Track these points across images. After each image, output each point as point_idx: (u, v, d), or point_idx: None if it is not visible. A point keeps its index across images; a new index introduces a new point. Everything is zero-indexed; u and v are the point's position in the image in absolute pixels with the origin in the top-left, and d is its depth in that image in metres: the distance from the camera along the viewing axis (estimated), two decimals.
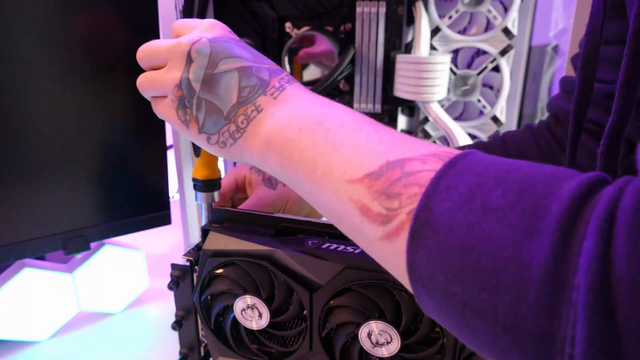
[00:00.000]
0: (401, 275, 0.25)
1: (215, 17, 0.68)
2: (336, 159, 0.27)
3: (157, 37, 0.57)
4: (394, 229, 0.24)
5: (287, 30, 0.66)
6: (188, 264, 0.42)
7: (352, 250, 0.36)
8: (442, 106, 0.67)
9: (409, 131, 0.73)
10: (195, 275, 0.42)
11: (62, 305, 0.59)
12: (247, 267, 0.39)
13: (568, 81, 0.48)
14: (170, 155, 0.65)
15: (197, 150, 0.43)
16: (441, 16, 0.65)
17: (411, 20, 0.63)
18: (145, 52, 0.35)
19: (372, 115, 0.68)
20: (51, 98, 0.51)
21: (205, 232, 0.40)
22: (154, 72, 0.35)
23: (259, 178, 0.52)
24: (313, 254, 0.36)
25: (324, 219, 0.43)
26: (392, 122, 0.68)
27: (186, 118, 0.33)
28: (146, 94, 0.36)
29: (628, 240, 0.17)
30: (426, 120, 0.71)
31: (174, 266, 0.43)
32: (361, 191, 0.25)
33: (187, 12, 0.63)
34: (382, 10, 0.61)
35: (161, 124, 0.59)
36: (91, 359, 0.56)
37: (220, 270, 0.39)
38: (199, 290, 0.41)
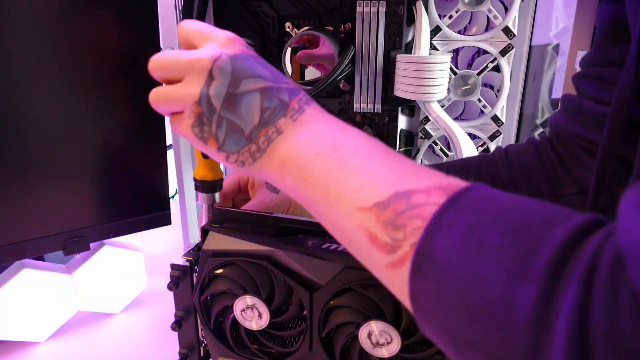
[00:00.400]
0: (405, 300, 0.26)
1: (215, 17, 0.68)
2: (348, 186, 0.28)
3: (157, 37, 0.57)
4: (398, 258, 0.25)
5: (287, 30, 0.66)
6: (187, 264, 0.42)
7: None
8: (443, 106, 0.67)
9: (409, 131, 0.73)
10: (195, 275, 0.42)
11: (61, 306, 0.58)
12: (247, 267, 0.38)
13: (570, 100, 0.48)
14: (170, 155, 0.65)
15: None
16: (441, 16, 0.65)
17: (411, 20, 0.63)
18: (160, 63, 0.35)
19: (372, 115, 0.68)
20: (51, 98, 0.51)
21: (205, 232, 0.40)
22: (169, 88, 0.34)
23: (261, 181, 0.52)
24: (313, 254, 0.36)
25: None
26: (392, 122, 0.68)
27: (204, 135, 0.33)
28: (160, 109, 0.35)
29: (605, 290, 0.18)
30: (426, 120, 0.71)
31: (173, 266, 0.43)
32: (370, 220, 0.27)
33: (187, 12, 0.63)
34: (382, 10, 0.61)
35: (161, 124, 0.59)
36: (90, 359, 0.55)
37: (220, 271, 0.39)
38: (198, 291, 0.40)
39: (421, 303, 0.24)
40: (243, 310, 0.39)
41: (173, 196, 0.88)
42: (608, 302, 0.18)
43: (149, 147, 0.59)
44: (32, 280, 0.55)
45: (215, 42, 0.34)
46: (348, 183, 0.28)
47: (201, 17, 0.64)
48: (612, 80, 0.42)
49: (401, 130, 0.70)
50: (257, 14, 0.66)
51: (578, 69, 0.52)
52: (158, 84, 0.36)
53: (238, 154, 0.33)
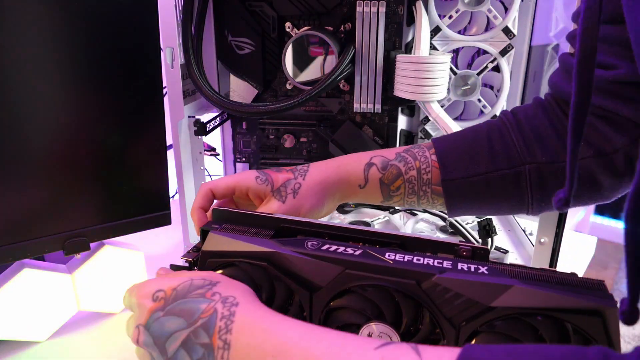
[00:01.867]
0: None
1: (215, 17, 0.68)
2: None
3: (157, 36, 0.57)
4: None
5: (287, 30, 0.66)
6: (187, 265, 0.42)
7: (352, 251, 0.36)
8: (442, 106, 0.67)
9: (409, 131, 0.73)
10: None
11: (61, 306, 0.58)
12: (246, 268, 0.38)
13: (567, 61, 0.47)
14: (170, 155, 0.65)
15: None
16: (441, 16, 0.65)
17: (411, 20, 0.63)
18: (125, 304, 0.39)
19: (372, 115, 0.68)
20: (51, 98, 0.51)
21: (204, 232, 0.40)
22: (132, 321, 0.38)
23: (267, 189, 0.51)
24: (313, 256, 0.36)
25: (323, 220, 0.42)
26: (392, 122, 0.68)
27: None
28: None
29: None
30: (426, 120, 0.71)
31: (173, 267, 0.43)
32: None
33: (187, 12, 0.63)
34: (382, 10, 0.61)
35: (161, 123, 0.59)
36: (91, 359, 0.56)
37: (219, 272, 0.39)
38: None
39: None
40: None
41: (173, 196, 0.88)
42: None
43: (149, 147, 0.59)
44: (32, 280, 0.55)
45: (135, 313, 0.37)
46: None
47: (201, 17, 0.64)
48: (608, 39, 0.42)
49: (401, 130, 0.71)
50: (257, 14, 0.66)
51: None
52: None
53: None
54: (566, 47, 0.57)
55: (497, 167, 0.48)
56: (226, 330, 0.33)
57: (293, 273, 0.37)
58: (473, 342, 0.33)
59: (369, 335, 0.36)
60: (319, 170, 0.52)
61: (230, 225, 0.41)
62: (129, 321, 0.38)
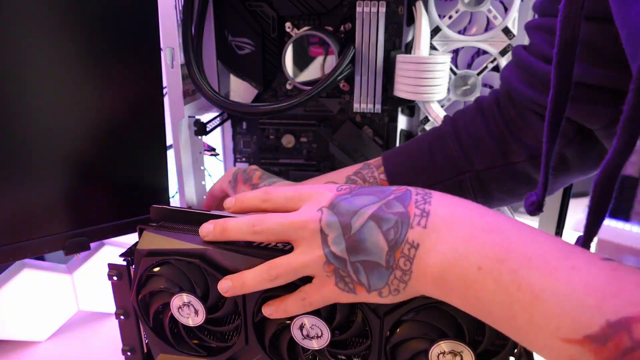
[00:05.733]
0: None
1: (215, 17, 0.68)
2: (539, 310, 0.26)
3: (157, 36, 0.57)
4: None
5: (287, 30, 0.66)
6: (125, 264, 0.42)
7: (282, 247, 0.36)
8: (442, 106, 0.67)
9: (409, 131, 0.73)
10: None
11: (61, 306, 0.59)
12: (180, 265, 0.39)
13: (521, 57, 0.46)
14: (170, 155, 0.65)
15: None
16: (441, 16, 0.65)
17: (411, 20, 0.63)
18: (266, 227, 0.34)
19: (372, 115, 0.68)
20: (51, 98, 0.51)
21: (140, 231, 0.40)
22: (288, 260, 0.34)
23: (248, 183, 0.54)
24: (242, 252, 0.37)
25: None
26: (392, 122, 0.68)
27: (349, 287, 0.32)
28: (283, 281, 0.34)
29: None
30: (426, 120, 0.71)
31: (111, 266, 0.43)
32: (586, 355, 0.24)
33: (187, 12, 0.63)
34: (382, 10, 0.61)
35: (161, 123, 0.59)
36: (90, 359, 0.56)
37: (156, 269, 0.40)
38: (135, 289, 0.41)
39: None
40: (179, 307, 0.40)
41: (173, 196, 0.88)
42: None
43: (149, 146, 0.59)
44: (32, 280, 0.55)
45: (310, 201, 0.34)
46: (537, 306, 0.26)
47: (201, 17, 0.64)
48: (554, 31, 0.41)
49: (401, 130, 0.71)
50: (257, 14, 0.66)
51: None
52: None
53: (388, 286, 0.32)
54: None
55: (439, 178, 0.50)
56: (423, 202, 0.31)
57: (225, 269, 0.37)
58: (397, 331, 0.35)
59: (301, 326, 0.37)
60: None
61: (167, 223, 0.41)
62: (287, 217, 0.34)
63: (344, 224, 0.32)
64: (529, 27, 0.46)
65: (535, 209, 0.37)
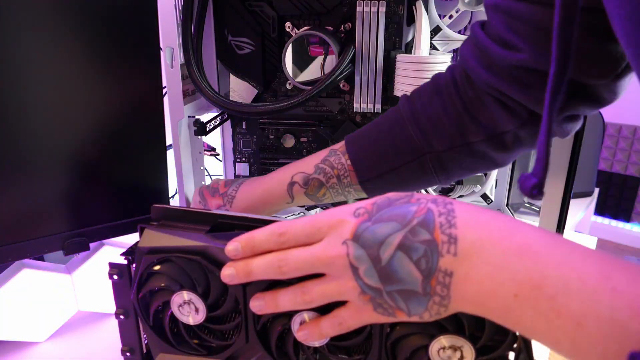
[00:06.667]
0: None
1: (215, 17, 0.68)
2: (582, 337, 0.25)
3: (157, 37, 0.57)
4: None
5: (287, 30, 0.66)
6: (126, 262, 0.42)
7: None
8: None
9: None
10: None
11: (61, 306, 0.58)
12: (181, 263, 0.39)
13: (479, 38, 0.45)
14: (170, 155, 0.65)
15: None
16: (441, 16, 0.65)
17: (411, 20, 0.63)
18: (295, 264, 0.34)
19: (372, 115, 0.68)
20: (50, 98, 0.51)
21: (141, 230, 0.41)
22: (325, 288, 0.34)
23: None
24: None
25: (259, 215, 0.42)
26: None
27: (389, 312, 0.33)
28: (317, 304, 0.35)
29: None
30: None
31: (112, 265, 0.43)
32: None
33: (187, 12, 0.63)
34: (382, 10, 0.61)
35: (161, 123, 0.59)
36: (90, 359, 0.56)
37: (157, 267, 0.40)
38: (135, 288, 0.41)
39: None
40: (180, 305, 0.40)
41: (173, 196, 0.88)
42: None
43: (148, 146, 0.59)
44: (32, 280, 0.55)
45: (331, 235, 0.33)
46: (580, 332, 0.25)
47: (201, 17, 0.64)
48: (519, 17, 0.41)
49: None
50: (257, 14, 0.66)
51: None
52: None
53: (428, 311, 0.32)
54: None
55: (402, 161, 0.51)
56: (449, 225, 0.31)
57: None
58: (397, 327, 0.36)
59: (301, 323, 0.37)
60: (245, 197, 0.56)
61: (168, 222, 0.41)
62: (313, 249, 0.33)
63: (373, 256, 0.31)
64: (488, 5, 0.45)
65: (538, 193, 0.36)
